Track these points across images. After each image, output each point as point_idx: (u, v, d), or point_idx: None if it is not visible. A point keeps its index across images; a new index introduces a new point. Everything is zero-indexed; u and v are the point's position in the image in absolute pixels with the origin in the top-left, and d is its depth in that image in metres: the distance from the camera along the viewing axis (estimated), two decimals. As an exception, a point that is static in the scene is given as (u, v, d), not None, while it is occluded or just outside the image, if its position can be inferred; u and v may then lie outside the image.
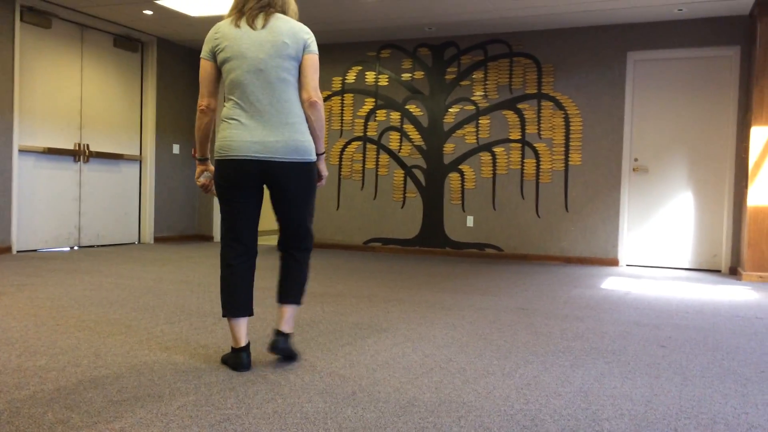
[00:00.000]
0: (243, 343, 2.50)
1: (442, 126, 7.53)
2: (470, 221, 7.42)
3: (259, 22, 2.44)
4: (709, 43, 6.49)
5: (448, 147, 7.50)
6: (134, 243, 7.91)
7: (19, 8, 6.37)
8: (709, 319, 3.82)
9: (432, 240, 7.59)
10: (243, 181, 2.45)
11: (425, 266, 6.28)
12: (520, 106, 7.21)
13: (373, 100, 7.85)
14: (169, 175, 8.25)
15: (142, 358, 2.62)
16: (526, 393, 2.28)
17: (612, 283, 5.40)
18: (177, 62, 8.33)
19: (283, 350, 2.55)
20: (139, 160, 7.92)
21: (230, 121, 2.46)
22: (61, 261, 5.87)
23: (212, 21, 7.13)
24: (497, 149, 7.30)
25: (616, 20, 6.68)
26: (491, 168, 7.33)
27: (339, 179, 8.01)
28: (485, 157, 7.35)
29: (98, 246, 7.42)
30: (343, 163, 7.98)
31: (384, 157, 7.79)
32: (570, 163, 7.02)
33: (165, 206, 8.19)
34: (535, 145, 7.15)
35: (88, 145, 7.19)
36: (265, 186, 2.53)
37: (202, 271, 5.45)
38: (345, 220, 7.97)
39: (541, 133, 7.13)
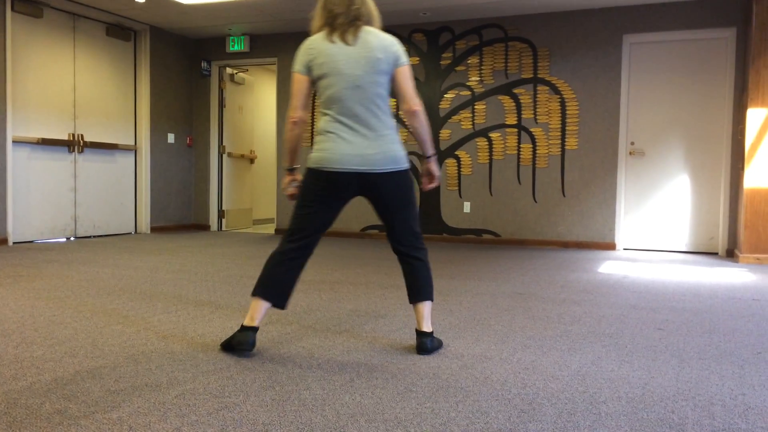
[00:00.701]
0: (255, 324, 2.52)
1: (437, 112, 7.51)
2: (467, 207, 7.41)
3: (351, 37, 2.52)
4: (704, 24, 6.46)
5: (444, 133, 7.48)
6: (131, 233, 7.90)
7: (10, -2, 6.32)
8: (706, 302, 3.83)
9: (429, 226, 7.59)
10: (338, 192, 2.54)
11: (422, 252, 6.27)
12: (515, 90, 7.18)
13: (369, 86, 7.81)
14: (164, 164, 8.22)
15: (139, 347, 2.62)
16: (524, 377, 2.29)
17: (609, 267, 5.41)
18: (170, 51, 8.27)
19: (431, 351, 2.59)
20: (134, 149, 7.88)
21: (328, 134, 2.53)
22: (57, 252, 5.86)
23: (205, 9, 7.07)
24: (493, 134, 7.28)
25: (612, 3, 6.64)
26: (488, 153, 7.32)
27: (335, 166, 7.98)
28: (481, 142, 7.34)
29: (94, 236, 7.40)
30: (339, 150, 7.95)
31: (380, 144, 7.76)
32: (566, 147, 7.01)
33: (161, 196, 8.17)
34: (531, 129, 7.14)
35: (82, 136, 7.16)
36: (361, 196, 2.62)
37: (198, 260, 5.44)
38: (342, 207, 7.95)
39: (537, 117, 7.11)
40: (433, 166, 2.69)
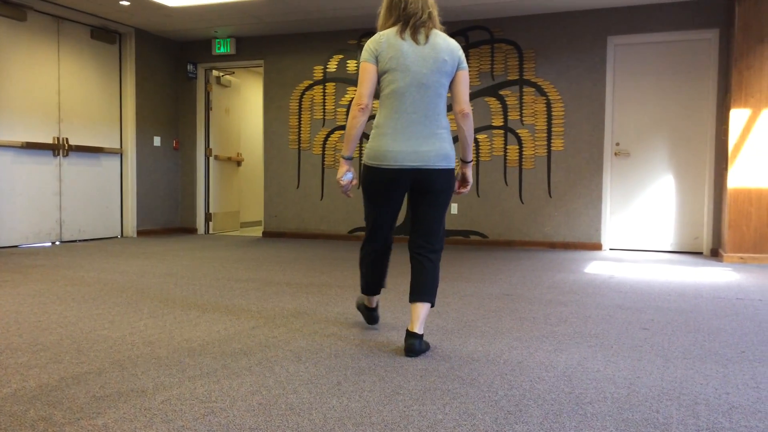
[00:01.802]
0: (374, 305, 3.01)
1: (424, 114, 7.51)
2: (454, 208, 7.43)
3: (422, 37, 2.60)
4: (688, 26, 6.52)
5: (431, 135, 7.49)
6: (117, 237, 7.85)
7: (-7, 0, 6.27)
8: (691, 301, 3.86)
9: (416, 228, 7.58)
10: (395, 187, 2.64)
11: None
12: (502, 92, 7.21)
13: (355, 88, 7.81)
14: (150, 167, 8.18)
15: (125, 352, 2.61)
16: (511, 378, 2.30)
17: (595, 267, 5.44)
18: (156, 53, 8.23)
19: (419, 353, 2.59)
20: (119, 153, 7.84)
21: (386, 129, 2.62)
22: (42, 256, 5.81)
23: (190, 11, 7.05)
24: (480, 136, 7.31)
25: (596, 5, 6.69)
26: (474, 155, 7.34)
27: (323, 169, 7.98)
28: (468, 144, 7.35)
29: (80, 241, 7.35)
30: (326, 152, 7.96)
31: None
32: (552, 148, 7.05)
33: (147, 199, 8.13)
34: (517, 131, 7.17)
35: (67, 139, 7.11)
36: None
37: (185, 263, 5.42)
38: (329, 209, 7.96)
39: (524, 119, 7.14)
40: (469, 172, 2.79)
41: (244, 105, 10.10)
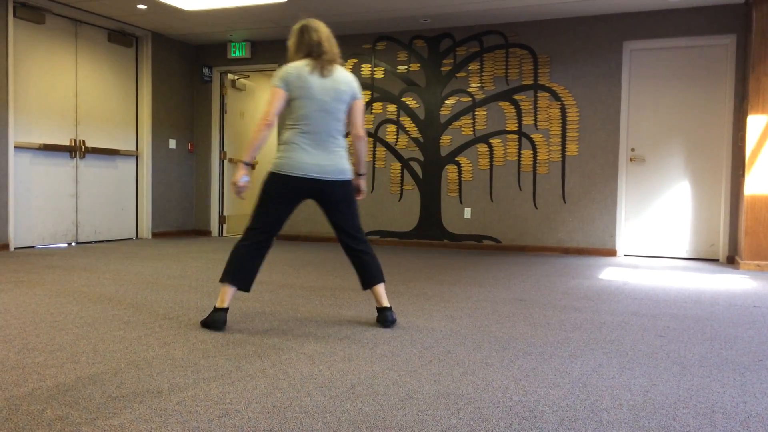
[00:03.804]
0: (226, 305, 3.08)
1: (438, 118, 7.52)
2: (468, 213, 7.42)
3: (327, 71, 3.09)
4: (704, 31, 6.48)
5: (445, 139, 7.49)
6: (132, 238, 7.90)
7: (13, 4, 6.34)
8: (707, 309, 3.83)
9: (429, 232, 7.59)
10: (297, 194, 3.08)
11: (423, 259, 6.28)
12: (516, 97, 7.20)
13: (369, 92, 7.83)
14: (165, 170, 8.23)
15: (140, 353, 2.62)
16: (525, 384, 2.29)
17: (610, 273, 5.41)
18: (172, 57, 8.30)
19: (394, 321, 3.19)
20: (135, 155, 7.90)
21: (294, 145, 3.07)
22: (58, 257, 5.87)
23: (206, 15, 7.10)
24: (494, 141, 7.29)
25: (612, 10, 6.67)
26: (488, 160, 7.33)
27: (336, 172, 7.99)
28: (482, 148, 7.35)
29: (96, 242, 7.40)
30: (339, 156, 7.96)
31: (381, 150, 7.78)
32: (567, 153, 7.02)
33: (162, 201, 8.18)
34: (531, 136, 7.15)
35: (83, 141, 7.17)
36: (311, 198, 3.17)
37: (200, 265, 5.44)
38: (342, 213, 7.96)
39: (538, 124, 7.12)
40: (363, 183, 3.38)
41: (258, 108, 10.15)
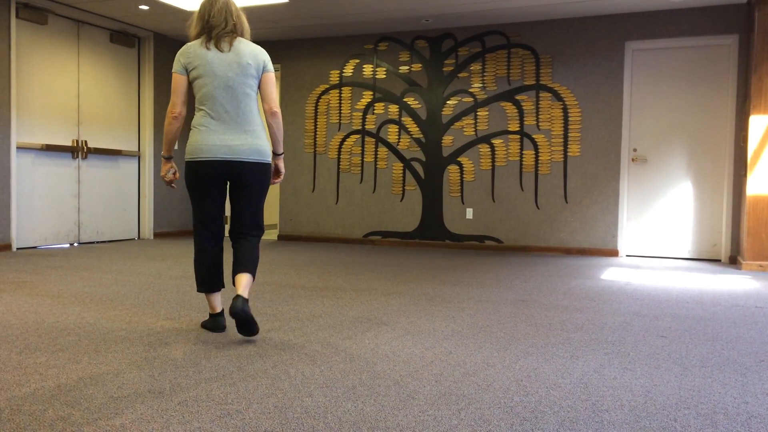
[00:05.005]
0: (219, 310, 3.03)
1: (440, 118, 7.52)
2: (469, 213, 7.42)
3: (225, 45, 2.88)
4: (707, 31, 6.47)
5: (447, 139, 7.49)
6: (134, 239, 7.91)
7: (15, 5, 6.35)
8: (709, 309, 3.82)
9: (431, 233, 7.59)
10: (212, 179, 2.88)
11: (425, 259, 6.28)
12: (518, 97, 7.20)
13: (371, 93, 7.84)
14: (167, 170, 8.23)
15: (142, 353, 2.63)
16: (526, 385, 2.29)
17: (611, 273, 5.41)
18: (174, 57, 8.30)
19: (242, 311, 2.71)
20: (137, 155, 7.91)
21: (200, 127, 2.89)
22: (60, 257, 5.88)
23: (209, 15, 7.09)
24: (496, 141, 7.29)
25: (614, 10, 6.66)
26: (490, 160, 7.33)
27: (338, 173, 8.00)
28: (484, 149, 7.34)
29: (98, 242, 7.42)
30: (341, 156, 7.98)
31: (383, 150, 7.78)
32: (569, 154, 7.02)
33: (164, 202, 8.19)
34: (533, 136, 7.15)
35: (86, 142, 7.18)
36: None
37: (201, 266, 5.44)
38: (344, 213, 7.97)
39: (540, 124, 7.12)
40: (281, 163, 3.08)
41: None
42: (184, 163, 3.12)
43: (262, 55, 2.94)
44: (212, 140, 2.85)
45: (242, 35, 2.95)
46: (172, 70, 2.90)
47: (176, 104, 2.90)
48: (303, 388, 2.20)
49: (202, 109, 2.89)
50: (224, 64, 2.86)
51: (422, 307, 3.73)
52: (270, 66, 2.96)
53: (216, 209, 2.95)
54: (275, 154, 3.05)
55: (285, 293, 4.15)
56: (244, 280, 2.85)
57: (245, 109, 2.90)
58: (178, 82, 2.89)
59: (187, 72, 2.89)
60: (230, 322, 3.25)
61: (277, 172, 3.08)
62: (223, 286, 3.02)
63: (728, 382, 2.35)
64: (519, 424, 1.91)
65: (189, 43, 2.92)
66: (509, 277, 5.09)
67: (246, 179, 2.90)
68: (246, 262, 2.89)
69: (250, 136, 2.89)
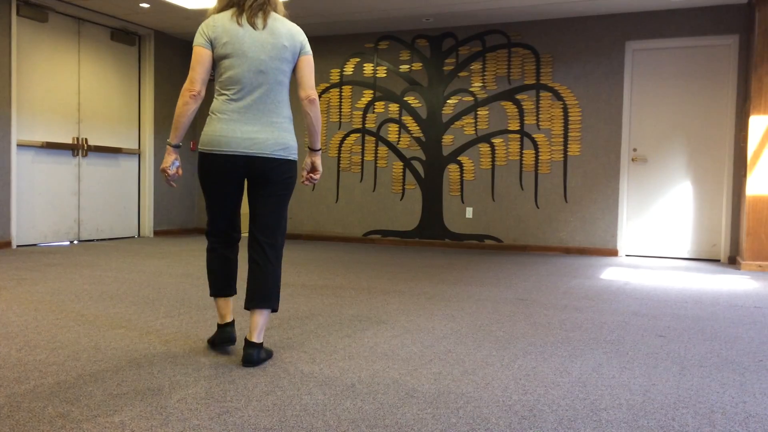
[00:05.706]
0: (229, 319, 2.66)
1: (440, 117, 7.52)
2: (469, 213, 7.42)
3: (260, 22, 2.47)
4: (707, 32, 6.47)
5: (447, 138, 7.50)
6: (134, 237, 7.92)
7: (16, 2, 6.35)
8: (708, 309, 3.83)
9: (431, 232, 7.59)
10: (229, 174, 2.48)
11: (424, 258, 6.28)
12: (518, 96, 7.20)
13: (372, 92, 7.84)
14: (167, 168, 8.23)
15: (141, 351, 2.63)
16: (525, 383, 2.29)
17: (611, 273, 5.41)
18: (174, 55, 8.30)
19: (257, 363, 2.44)
20: (137, 153, 7.91)
21: (221, 115, 2.47)
22: (60, 255, 5.88)
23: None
24: (496, 140, 7.29)
25: (614, 9, 6.66)
26: (490, 159, 7.33)
27: (338, 171, 8.00)
28: (484, 148, 7.35)
29: (98, 240, 7.42)
30: (341, 155, 7.98)
31: (383, 149, 7.79)
32: (569, 153, 7.02)
33: (164, 200, 8.19)
34: (533, 135, 7.15)
35: (86, 139, 7.19)
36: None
37: (202, 264, 5.45)
38: (344, 212, 7.98)
39: (540, 123, 7.12)
40: (318, 160, 2.65)
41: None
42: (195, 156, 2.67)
43: (299, 35, 2.54)
44: (233, 131, 2.43)
45: (275, 10, 2.55)
46: (194, 44, 2.47)
47: (195, 81, 2.44)
48: (302, 386, 2.21)
49: (224, 94, 2.47)
50: (257, 44, 2.44)
51: (421, 306, 3.73)
52: (308, 47, 2.56)
53: (231, 208, 2.57)
54: (312, 150, 2.63)
55: (284, 291, 4.15)
56: (259, 321, 2.45)
57: (275, 98, 2.49)
58: (202, 56, 2.44)
59: (213, 47, 2.46)
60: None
61: (314, 169, 2.65)
62: (235, 293, 2.67)
63: (726, 382, 2.36)
64: (517, 422, 1.91)
65: (215, 15, 2.49)
66: (508, 276, 5.09)
67: (269, 177, 2.47)
68: (262, 292, 2.46)
69: (277, 129, 2.48)
